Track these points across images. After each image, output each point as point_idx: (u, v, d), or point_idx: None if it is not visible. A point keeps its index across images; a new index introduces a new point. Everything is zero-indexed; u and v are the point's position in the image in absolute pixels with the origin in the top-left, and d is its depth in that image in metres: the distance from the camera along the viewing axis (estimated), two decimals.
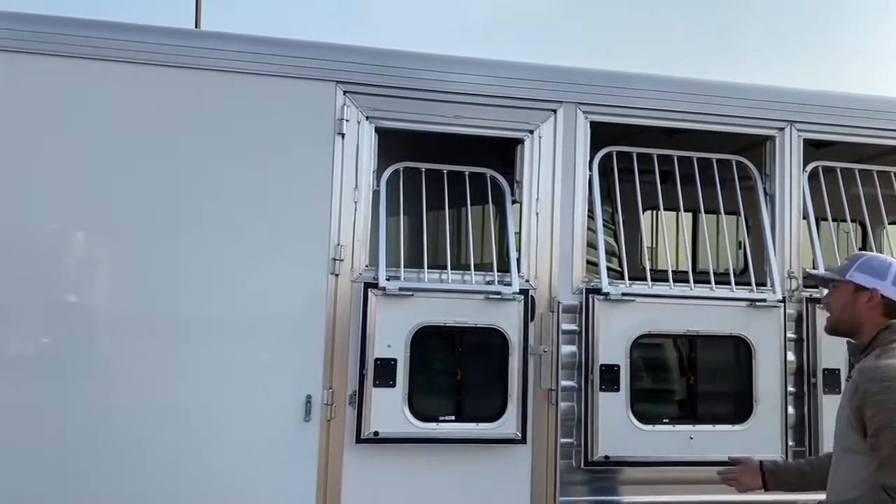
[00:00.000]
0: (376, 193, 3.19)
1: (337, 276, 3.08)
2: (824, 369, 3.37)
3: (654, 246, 4.83)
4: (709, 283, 3.34)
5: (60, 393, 2.89)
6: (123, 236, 2.98)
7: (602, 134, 3.43)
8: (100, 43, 3.00)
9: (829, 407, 3.35)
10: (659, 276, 3.48)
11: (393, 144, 3.31)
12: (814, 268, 3.46)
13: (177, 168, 3.02)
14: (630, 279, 3.30)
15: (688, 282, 3.36)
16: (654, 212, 3.98)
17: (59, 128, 2.96)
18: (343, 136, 3.12)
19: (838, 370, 3.37)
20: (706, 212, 3.60)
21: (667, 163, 3.50)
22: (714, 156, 3.52)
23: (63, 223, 2.98)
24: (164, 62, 3.03)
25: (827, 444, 3.34)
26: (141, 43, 3.03)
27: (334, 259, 3.08)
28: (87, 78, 2.99)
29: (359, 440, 3.00)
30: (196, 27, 10.10)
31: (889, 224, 4.40)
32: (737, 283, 3.39)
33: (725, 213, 3.57)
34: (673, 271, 3.40)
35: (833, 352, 3.37)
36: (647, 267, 3.45)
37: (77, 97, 2.98)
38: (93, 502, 2.89)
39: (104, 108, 2.99)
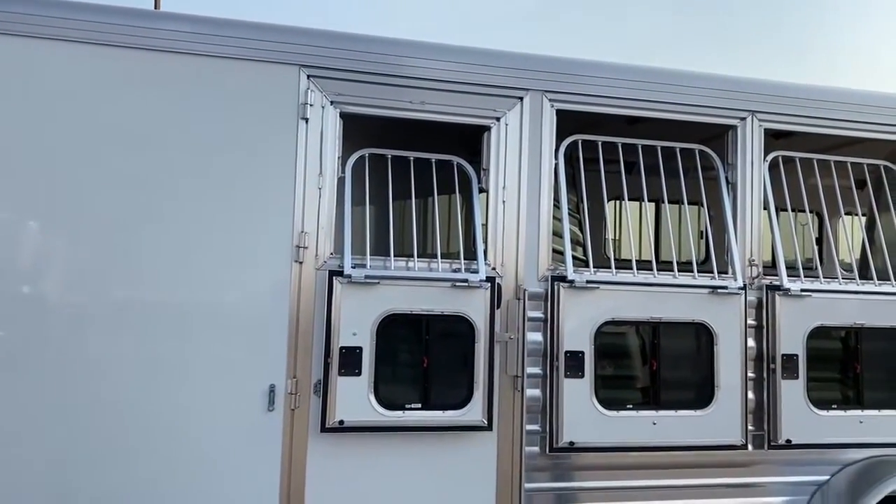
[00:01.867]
0: (341, 180, 3.15)
1: (301, 263, 3.04)
2: (783, 355, 3.44)
3: (617, 236, 4.88)
4: (672, 271, 3.38)
5: (23, 387, 2.80)
6: (81, 226, 2.89)
7: (568, 122, 3.44)
8: (55, 23, 2.89)
9: (788, 392, 3.44)
10: (624, 265, 3.52)
11: (359, 131, 3.27)
12: (773, 255, 3.53)
13: (136, 154, 2.93)
14: (596, 268, 3.33)
15: (651, 270, 3.40)
16: (619, 201, 4.01)
17: (11, 113, 2.85)
18: (307, 121, 3.07)
19: (796, 356, 3.45)
20: (669, 201, 3.63)
21: (631, 152, 3.52)
22: (678, 145, 3.56)
23: (15, 213, 2.87)
24: (123, 43, 2.94)
25: (786, 430, 3.43)
26: (98, 23, 2.93)
27: (298, 247, 3.04)
28: (41, 59, 2.88)
29: (324, 429, 2.97)
30: (155, 7, 9.85)
31: (845, 214, 4.52)
32: (700, 272, 3.44)
33: (689, 203, 3.61)
34: (637, 260, 3.43)
35: (791, 338, 3.46)
36: (612, 255, 3.48)
37: (30, 80, 2.87)
38: (58, 493, 2.81)
39: (59, 91, 2.89)
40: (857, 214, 4.07)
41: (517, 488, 3.19)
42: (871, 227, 4.08)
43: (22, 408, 2.80)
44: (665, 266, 3.45)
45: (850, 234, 4.31)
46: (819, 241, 4.90)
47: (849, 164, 3.77)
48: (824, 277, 3.60)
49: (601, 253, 4.38)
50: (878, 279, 3.67)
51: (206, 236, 2.97)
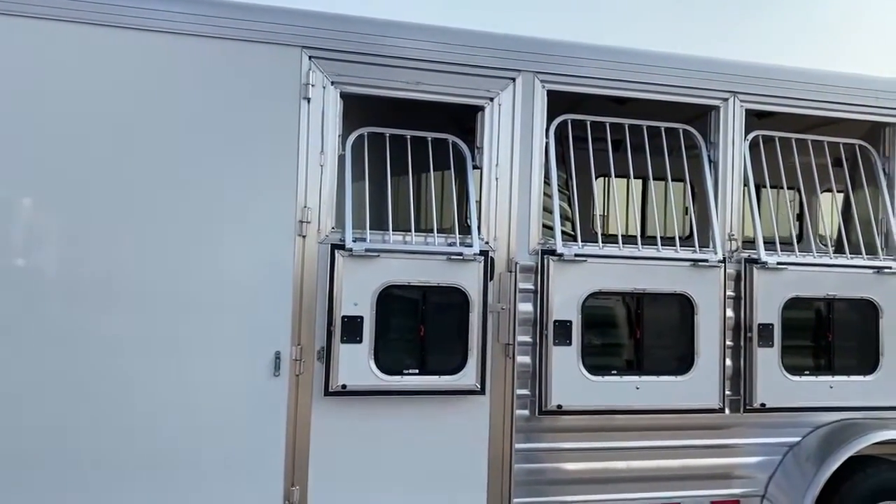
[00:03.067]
0: (342, 158, 3.29)
1: (304, 237, 3.19)
2: (759, 324, 3.64)
3: (605, 212, 5.04)
4: (657, 245, 3.56)
5: (36, 361, 2.94)
6: (97, 206, 3.01)
7: (559, 102, 3.58)
8: (65, 3, 2.99)
9: (763, 359, 3.65)
10: (612, 239, 3.69)
11: (360, 110, 3.40)
12: (753, 229, 3.71)
13: (144, 133, 3.06)
14: (584, 242, 3.50)
15: (637, 244, 3.57)
16: (606, 178, 4.18)
17: (9, 92, 2.94)
18: (309, 100, 3.20)
19: (772, 325, 3.65)
20: (655, 179, 3.80)
21: (620, 131, 3.68)
22: (662, 124, 3.72)
23: (22, 192, 2.98)
24: (129, 24, 3.05)
25: (761, 395, 3.65)
26: (106, 5, 3.03)
27: (301, 221, 3.19)
28: (45, 40, 2.98)
29: (327, 393, 3.15)
30: None
31: (823, 191, 4.71)
32: (684, 246, 3.62)
33: (673, 180, 3.78)
34: (624, 235, 3.60)
35: (767, 308, 3.66)
36: (599, 230, 3.64)
37: (35, 61, 2.97)
38: (73, 463, 2.97)
39: (68, 71, 3.00)
40: (834, 191, 4.24)
41: (508, 448, 3.39)
42: (846, 204, 4.27)
43: (42, 379, 2.94)
44: (651, 241, 3.63)
45: (825, 210, 4.50)
46: (798, 216, 5.09)
47: (825, 144, 3.94)
48: (800, 251, 3.79)
49: (590, 228, 4.54)
50: (852, 253, 3.87)
51: (213, 213, 3.11)
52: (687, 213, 4.63)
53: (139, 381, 3.03)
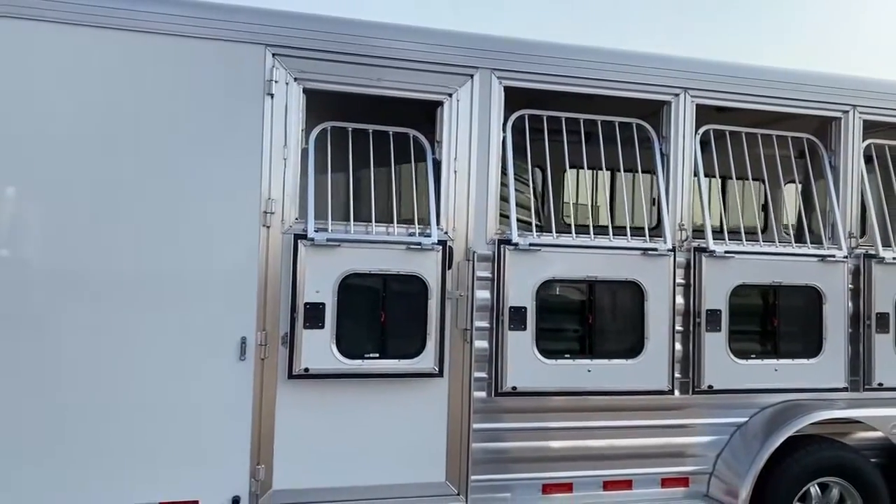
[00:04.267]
0: (304, 151, 3.43)
1: (268, 227, 3.34)
2: (707, 310, 3.82)
3: (561, 202, 5.19)
4: (610, 234, 3.72)
5: (22, 348, 3.08)
6: (64, 202, 3.13)
7: (523, 96, 3.71)
8: (24, 2, 3.08)
9: (711, 343, 3.83)
10: (581, 229, 3.81)
11: (323, 105, 3.54)
12: (702, 220, 3.87)
13: (112, 129, 3.18)
14: (540, 232, 3.65)
15: (597, 234, 3.73)
16: (566, 171, 4.34)
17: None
18: (272, 96, 3.34)
19: (719, 311, 3.84)
20: (607, 170, 3.95)
21: (576, 125, 3.82)
22: (616, 119, 3.87)
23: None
24: (94, 23, 3.15)
25: (708, 377, 3.84)
26: (70, 3, 3.14)
27: (266, 212, 3.33)
28: (12, 38, 3.08)
29: (290, 376, 3.30)
30: None
31: (786, 183, 4.89)
32: (635, 236, 3.78)
33: (633, 172, 3.93)
34: (579, 225, 3.77)
35: (715, 295, 3.84)
36: (553, 220, 3.81)
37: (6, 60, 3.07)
38: (47, 444, 3.12)
39: (31, 70, 3.10)
40: (782, 184, 4.43)
41: (466, 427, 3.56)
42: (795, 194, 4.45)
43: (21, 367, 3.08)
44: (602, 230, 3.80)
45: (781, 201, 4.68)
46: (763, 207, 5.27)
47: (774, 137, 4.11)
48: (765, 241, 3.96)
49: (560, 218, 4.70)
50: (796, 242, 4.06)
51: (180, 204, 3.24)
52: (655, 205, 4.79)
53: (114, 365, 3.17)
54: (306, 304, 3.29)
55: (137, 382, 3.20)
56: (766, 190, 4.98)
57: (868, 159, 4.24)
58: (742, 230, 3.98)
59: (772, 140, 4.09)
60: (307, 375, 3.31)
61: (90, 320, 3.15)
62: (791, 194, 4.85)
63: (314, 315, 3.29)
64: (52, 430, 3.12)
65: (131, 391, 3.19)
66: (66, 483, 3.13)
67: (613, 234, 3.72)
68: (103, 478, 3.16)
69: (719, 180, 4.02)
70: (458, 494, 3.55)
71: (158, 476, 3.21)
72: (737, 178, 4.13)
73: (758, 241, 4.08)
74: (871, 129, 4.23)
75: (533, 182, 4.61)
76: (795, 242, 4.13)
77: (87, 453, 3.15)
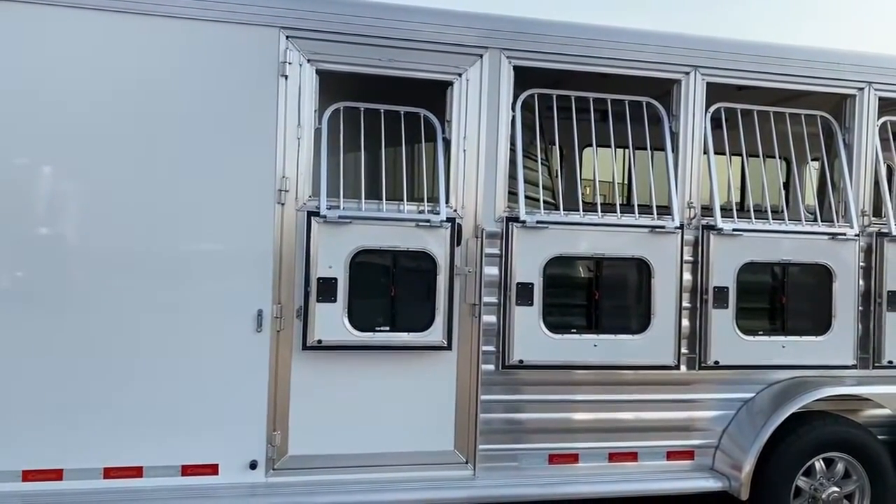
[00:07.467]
0: (318, 131, 3.54)
1: (283, 205, 3.46)
2: (715, 287, 3.86)
3: (573, 179, 5.20)
4: (622, 212, 3.77)
5: (47, 317, 3.26)
6: (92, 181, 3.28)
7: (543, 77, 3.75)
8: None
9: (718, 319, 3.88)
10: (588, 207, 3.85)
11: (338, 85, 3.63)
12: (710, 197, 3.90)
13: (132, 110, 3.31)
14: (547, 209, 3.72)
15: (608, 212, 3.77)
16: (580, 148, 4.37)
17: (14, 74, 3.18)
18: (286, 77, 3.44)
19: (727, 288, 3.88)
20: (618, 147, 3.98)
21: (587, 104, 3.85)
22: (626, 97, 3.90)
23: (28, 164, 3.25)
24: (112, 7, 3.27)
25: (714, 352, 3.89)
26: None
27: (280, 190, 3.45)
28: (28, 22, 3.19)
29: (304, 347, 3.44)
30: None
31: (803, 161, 4.85)
32: (642, 213, 3.83)
33: (636, 150, 3.97)
34: (588, 203, 3.82)
35: (723, 272, 3.88)
36: (560, 198, 3.87)
37: (19, 42, 3.19)
38: (76, 409, 3.30)
39: (48, 54, 3.23)
40: (793, 162, 4.41)
41: (475, 399, 3.68)
42: (809, 172, 4.43)
43: (47, 334, 3.27)
44: (610, 208, 3.85)
45: (782, 178, 4.66)
46: (785, 185, 5.25)
47: (787, 115, 4.10)
48: (756, 218, 3.98)
49: (565, 194, 4.75)
50: (806, 219, 4.06)
51: (198, 183, 3.38)
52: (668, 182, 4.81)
53: (139, 335, 3.34)
54: (319, 278, 3.41)
55: (160, 353, 3.36)
56: (781, 168, 4.96)
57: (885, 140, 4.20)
58: (751, 208, 4.00)
59: (784, 118, 4.08)
60: (320, 347, 3.45)
61: (122, 294, 3.31)
62: (806, 173, 4.82)
63: (327, 289, 3.42)
64: (78, 395, 3.30)
65: (157, 361, 3.36)
66: (90, 445, 3.31)
67: (622, 212, 3.78)
68: (128, 441, 3.35)
69: (730, 159, 4.02)
70: (466, 463, 3.68)
71: (180, 441, 3.39)
72: (751, 157, 4.12)
73: (767, 219, 4.10)
74: (886, 106, 4.19)
75: (548, 160, 4.65)
76: (807, 221, 4.13)
77: (113, 418, 3.33)
